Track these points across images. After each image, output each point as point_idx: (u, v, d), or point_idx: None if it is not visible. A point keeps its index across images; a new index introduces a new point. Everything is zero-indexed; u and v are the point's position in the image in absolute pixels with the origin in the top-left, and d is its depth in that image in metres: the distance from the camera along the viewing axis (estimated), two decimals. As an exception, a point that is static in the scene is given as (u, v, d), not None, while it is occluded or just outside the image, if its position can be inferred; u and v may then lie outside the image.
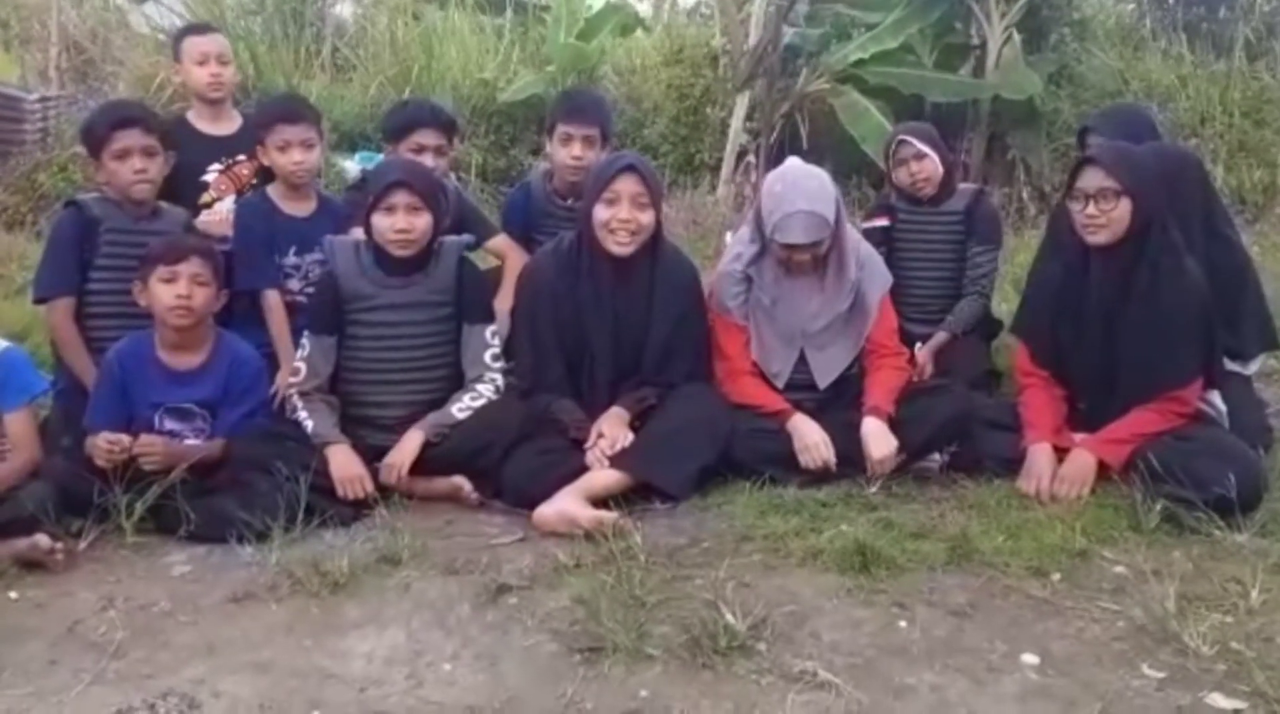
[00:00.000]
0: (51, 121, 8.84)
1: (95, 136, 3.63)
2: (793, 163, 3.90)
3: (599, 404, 3.61)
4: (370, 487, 3.33)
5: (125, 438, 3.14)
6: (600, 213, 3.53)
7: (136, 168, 3.57)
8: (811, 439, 3.55)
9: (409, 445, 3.40)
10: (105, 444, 3.11)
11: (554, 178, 4.35)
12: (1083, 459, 3.47)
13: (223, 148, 4.22)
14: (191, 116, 4.33)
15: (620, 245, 3.54)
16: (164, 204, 3.76)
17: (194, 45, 4.31)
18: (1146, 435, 3.44)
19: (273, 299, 3.89)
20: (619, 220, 3.51)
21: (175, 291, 3.27)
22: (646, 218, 3.54)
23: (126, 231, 3.59)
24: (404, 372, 3.54)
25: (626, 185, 3.51)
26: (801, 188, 3.63)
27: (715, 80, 9.04)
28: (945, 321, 4.43)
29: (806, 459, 3.53)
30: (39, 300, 3.70)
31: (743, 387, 3.71)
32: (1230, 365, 3.76)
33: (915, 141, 4.42)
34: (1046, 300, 3.70)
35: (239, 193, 4.20)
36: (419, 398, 3.55)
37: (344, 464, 3.34)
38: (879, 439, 3.52)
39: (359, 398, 3.56)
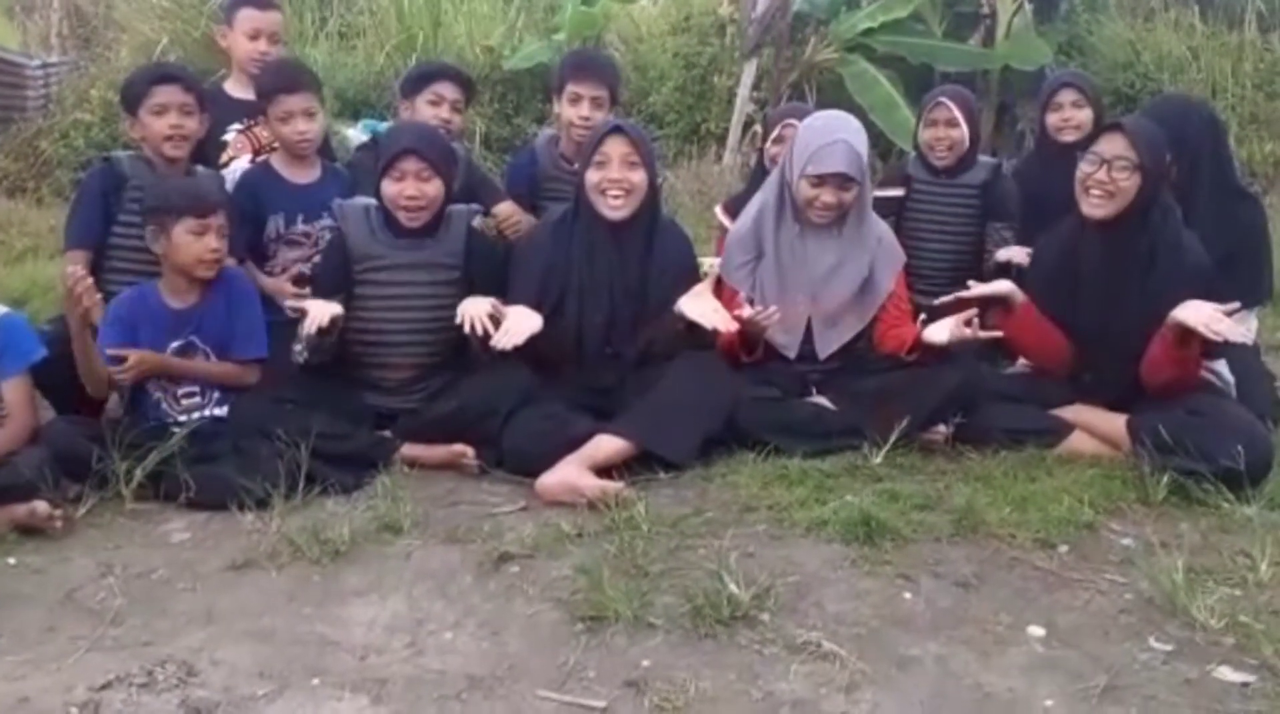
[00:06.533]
0: (53, 88, 8.81)
1: (134, 92, 3.66)
2: (827, 111, 3.92)
3: (594, 370, 3.61)
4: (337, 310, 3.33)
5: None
6: (591, 176, 3.54)
7: (172, 123, 3.59)
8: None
9: None
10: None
11: (560, 142, 4.32)
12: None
13: (245, 110, 4.22)
14: (228, 86, 4.37)
15: (614, 208, 3.53)
16: (200, 168, 3.76)
17: (248, 18, 4.30)
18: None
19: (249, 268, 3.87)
20: (610, 180, 3.51)
21: (209, 245, 3.30)
22: (638, 177, 3.53)
23: None
24: (409, 334, 3.53)
25: (615, 146, 3.52)
26: (843, 122, 3.69)
27: (722, 49, 8.96)
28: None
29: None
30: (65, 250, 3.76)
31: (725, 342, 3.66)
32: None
33: (953, 107, 4.36)
34: (1043, 273, 3.67)
35: (255, 153, 4.20)
36: (422, 361, 3.55)
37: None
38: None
39: (362, 360, 3.56)
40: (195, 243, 3.30)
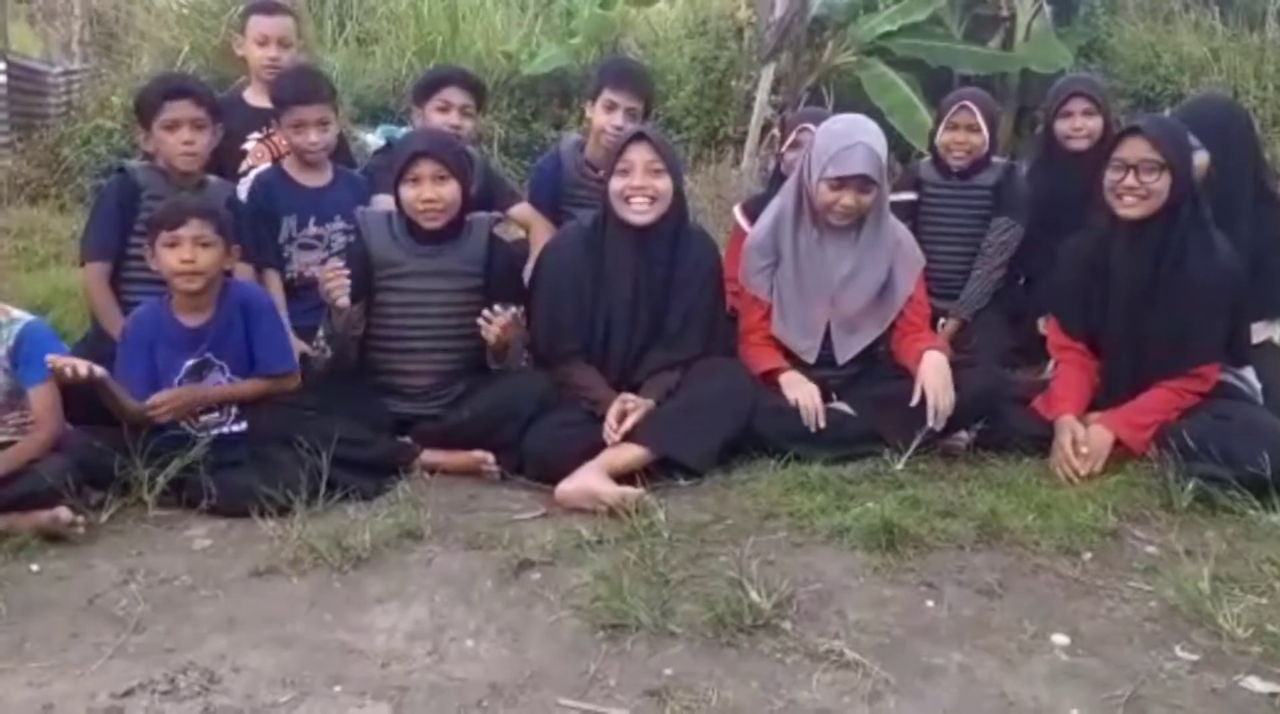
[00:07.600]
0: (74, 95, 8.86)
1: (147, 106, 3.68)
2: (844, 115, 3.91)
3: (614, 377, 3.59)
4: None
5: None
6: (616, 184, 3.53)
7: (184, 139, 3.60)
8: (801, 390, 3.57)
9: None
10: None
11: (586, 149, 4.32)
12: (1100, 435, 3.44)
13: (264, 118, 4.25)
14: (247, 94, 4.39)
15: (638, 213, 3.52)
16: (211, 177, 3.77)
17: (257, 25, 4.36)
18: (1165, 414, 3.43)
19: (272, 281, 3.87)
20: (633, 187, 3.50)
21: (180, 256, 3.24)
22: (662, 184, 3.52)
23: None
24: (431, 340, 3.53)
25: (638, 154, 3.51)
26: (862, 126, 3.67)
27: (740, 53, 8.94)
28: (954, 305, 4.38)
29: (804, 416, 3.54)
30: (83, 262, 3.76)
31: (753, 352, 3.71)
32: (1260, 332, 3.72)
33: (976, 112, 4.36)
34: (1074, 272, 3.65)
35: (275, 161, 4.21)
36: (444, 367, 3.56)
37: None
38: (943, 387, 3.46)
39: (384, 366, 3.57)
40: (169, 255, 3.24)
